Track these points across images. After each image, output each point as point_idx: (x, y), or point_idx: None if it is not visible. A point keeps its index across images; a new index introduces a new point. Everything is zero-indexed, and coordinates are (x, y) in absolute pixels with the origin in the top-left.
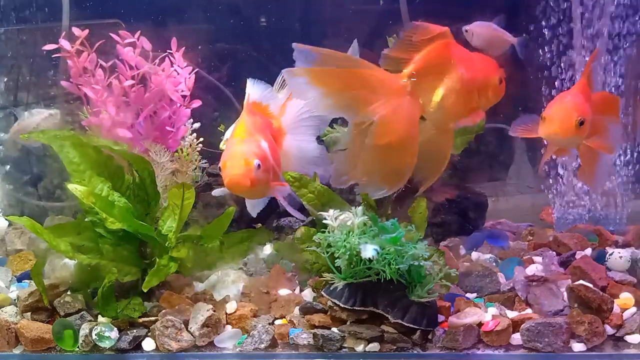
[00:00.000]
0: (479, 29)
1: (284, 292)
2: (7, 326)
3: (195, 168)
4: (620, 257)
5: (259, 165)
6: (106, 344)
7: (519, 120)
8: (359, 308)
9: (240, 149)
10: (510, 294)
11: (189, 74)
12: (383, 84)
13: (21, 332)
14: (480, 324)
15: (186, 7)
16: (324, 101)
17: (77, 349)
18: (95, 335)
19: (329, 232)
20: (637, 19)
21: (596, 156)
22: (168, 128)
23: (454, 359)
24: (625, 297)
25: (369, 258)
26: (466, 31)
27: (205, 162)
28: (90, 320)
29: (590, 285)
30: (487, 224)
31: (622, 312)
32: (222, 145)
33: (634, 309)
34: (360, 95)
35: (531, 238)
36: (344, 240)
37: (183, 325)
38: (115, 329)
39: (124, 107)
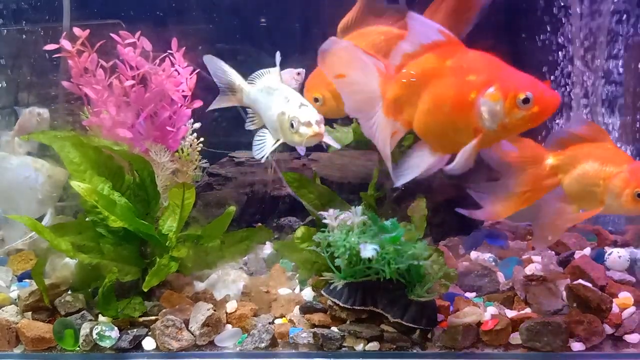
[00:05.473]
0: None
1: (284, 291)
2: (8, 326)
3: (196, 168)
4: (619, 256)
5: None
6: (107, 344)
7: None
8: (358, 307)
9: None
10: (509, 293)
11: (190, 74)
12: None
13: (22, 332)
14: (479, 323)
15: (186, 7)
16: None
17: (78, 348)
18: (96, 334)
19: (328, 231)
20: None
21: None
22: (168, 128)
23: (453, 358)
24: (624, 296)
25: (369, 257)
26: None
27: (206, 162)
28: (90, 320)
29: (589, 285)
30: (486, 223)
31: (621, 312)
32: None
33: (632, 309)
34: None
35: (530, 237)
36: (344, 240)
37: (183, 325)
38: (116, 328)
39: (124, 107)
